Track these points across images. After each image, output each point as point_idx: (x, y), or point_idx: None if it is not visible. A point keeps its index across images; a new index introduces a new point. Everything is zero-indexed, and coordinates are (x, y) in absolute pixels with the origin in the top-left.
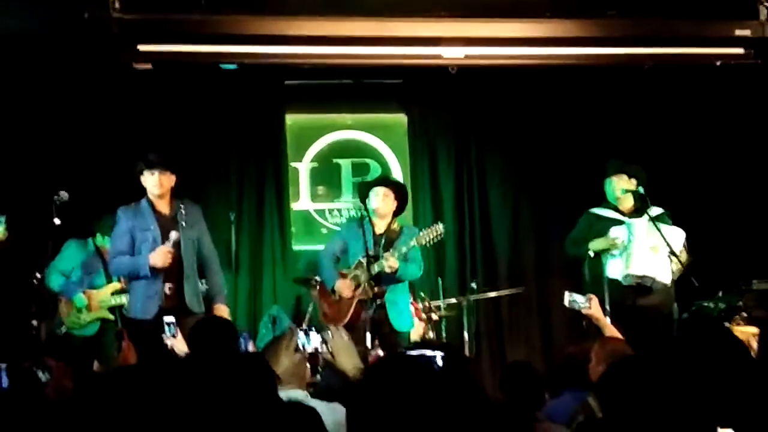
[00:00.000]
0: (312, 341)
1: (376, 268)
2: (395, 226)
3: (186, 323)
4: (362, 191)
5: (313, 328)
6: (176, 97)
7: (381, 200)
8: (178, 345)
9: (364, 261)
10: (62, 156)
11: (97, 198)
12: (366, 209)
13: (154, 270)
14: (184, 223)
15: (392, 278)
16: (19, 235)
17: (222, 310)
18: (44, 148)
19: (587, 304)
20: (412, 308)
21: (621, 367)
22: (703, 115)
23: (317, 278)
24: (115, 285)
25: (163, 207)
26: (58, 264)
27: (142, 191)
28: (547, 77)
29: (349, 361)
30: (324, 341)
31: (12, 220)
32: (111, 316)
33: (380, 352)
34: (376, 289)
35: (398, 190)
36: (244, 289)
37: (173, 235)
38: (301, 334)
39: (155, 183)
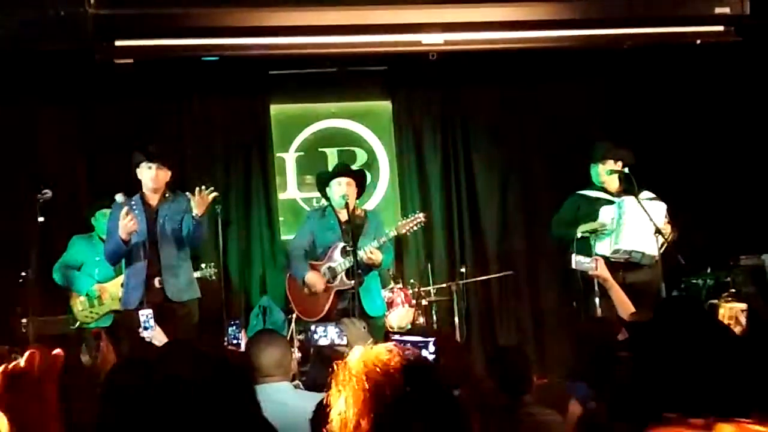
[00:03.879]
0: (329, 334)
1: (353, 258)
2: (359, 211)
3: (176, 312)
4: (322, 182)
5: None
6: (159, 91)
7: (345, 189)
8: (157, 336)
9: (337, 252)
10: (45, 154)
11: (83, 194)
12: (327, 199)
13: (127, 244)
14: (165, 216)
15: (367, 267)
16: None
17: None
18: (26, 147)
19: (593, 265)
20: (401, 294)
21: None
22: (687, 93)
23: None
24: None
25: (154, 200)
26: (67, 260)
27: (131, 185)
28: (531, 60)
29: None
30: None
31: None
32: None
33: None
34: (354, 280)
35: (358, 176)
36: (234, 280)
37: (119, 197)
38: (319, 328)
39: (152, 176)
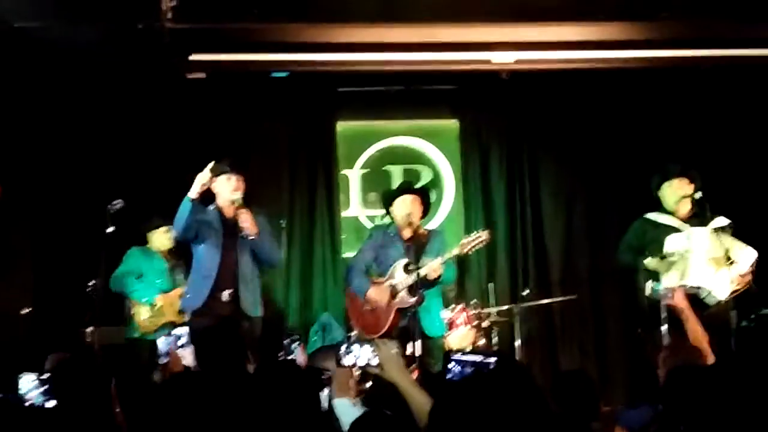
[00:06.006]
0: (362, 354)
1: (416, 276)
2: (422, 230)
3: (242, 326)
4: (386, 199)
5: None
6: (228, 105)
7: (409, 207)
8: (189, 357)
9: (399, 269)
10: (116, 165)
11: (151, 206)
12: (391, 216)
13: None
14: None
15: (428, 284)
16: (74, 243)
17: None
18: (98, 158)
19: (670, 294)
20: (463, 315)
21: (681, 377)
22: (758, 116)
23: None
24: (181, 290)
25: (231, 211)
26: (125, 269)
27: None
28: (601, 81)
29: (397, 373)
30: (374, 354)
31: (66, 229)
32: (183, 319)
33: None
34: (416, 297)
35: (422, 195)
36: (295, 296)
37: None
38: (355, 346)
39: (233, 187)
